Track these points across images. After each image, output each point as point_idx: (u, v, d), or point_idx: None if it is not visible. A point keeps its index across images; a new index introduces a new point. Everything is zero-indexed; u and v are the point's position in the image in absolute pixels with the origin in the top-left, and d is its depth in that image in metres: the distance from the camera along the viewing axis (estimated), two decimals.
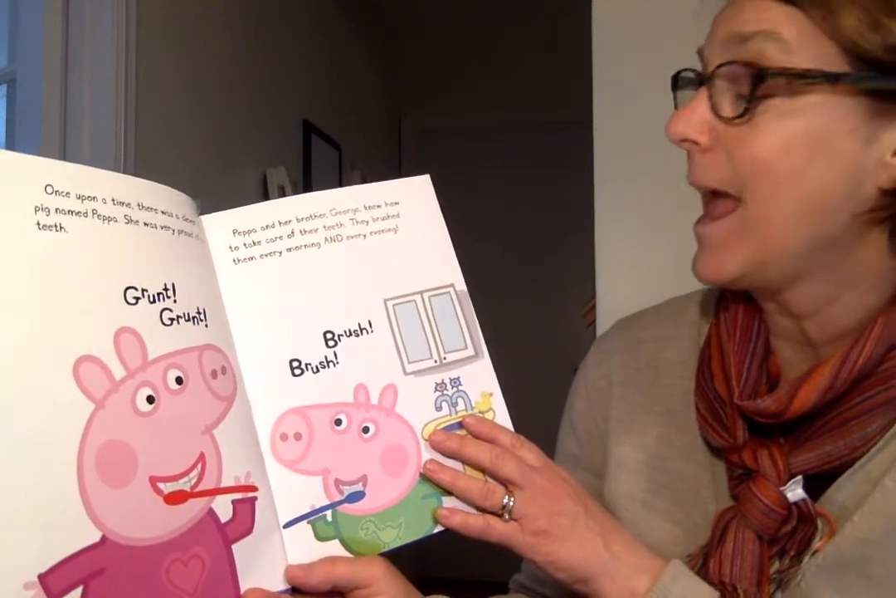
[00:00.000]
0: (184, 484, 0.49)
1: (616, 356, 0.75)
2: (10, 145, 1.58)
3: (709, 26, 0.59)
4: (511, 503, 0.57)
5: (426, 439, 0.60)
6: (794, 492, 0.57)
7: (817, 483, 0.58)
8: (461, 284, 0.63)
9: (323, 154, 2.54)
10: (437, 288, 0.62)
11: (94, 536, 0.44)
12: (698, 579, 0.58)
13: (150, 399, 0.48)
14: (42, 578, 0.41)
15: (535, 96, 3.19)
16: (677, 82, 0.61)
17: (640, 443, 0.70)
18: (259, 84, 2.12)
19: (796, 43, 0.52)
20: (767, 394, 0.59)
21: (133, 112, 1.55)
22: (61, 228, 0.46)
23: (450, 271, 0.63)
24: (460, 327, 0.62)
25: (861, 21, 0.51)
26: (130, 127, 1.54)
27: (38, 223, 0.45)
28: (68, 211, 0.47)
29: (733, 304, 0.65)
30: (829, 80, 0.52)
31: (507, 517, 0.58)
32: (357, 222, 0.61)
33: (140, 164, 1.56)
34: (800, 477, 0.58)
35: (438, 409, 0.61)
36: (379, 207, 0.62)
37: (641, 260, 1.25)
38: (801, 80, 0.52)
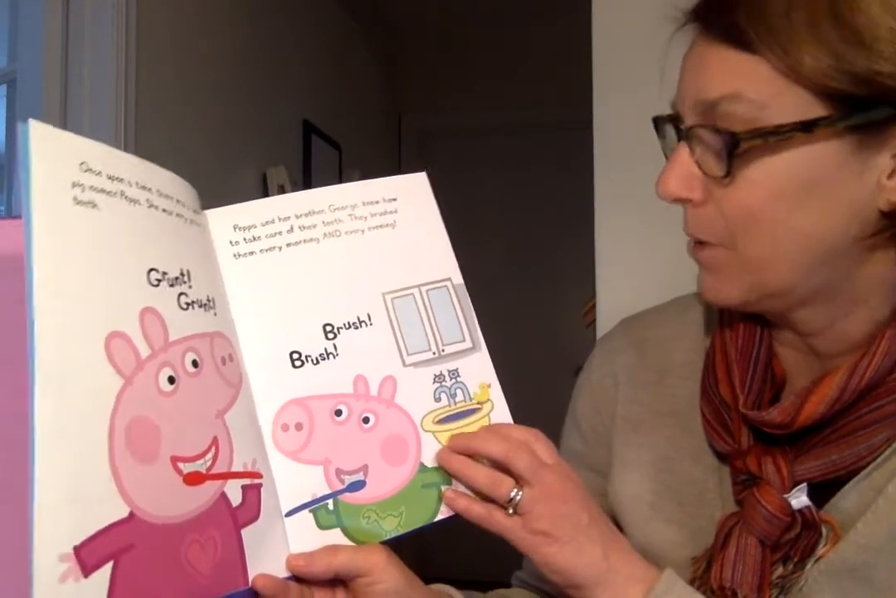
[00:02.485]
0: (200, 466, 0.49)
1: (620, 355, 0.75)
2: (10, 145, 1.58)
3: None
4: (518, 497, 0.57)
5: (426, 431, 0.60)
6: (799, 499, 0.57)
7: (822, 490, 0.58)
8: (458, 278, 0.64)
9: (323, 154, 2.54)
10: (435, 282, 0.63)
11: (123, 511, 0.44)
12: (692, 589, 0.57)
13: (171, 380, 0.49)
14: (77, 550, 0.41)
15: (535, 96, 3.18)
16: (658, 126, 0.61)
17: (646, 443, 0.70)
18: (259, 84, 2.12)
19: (764, 98, 0.51)
20: (773, 404, 0.59)
21: (133, 112, 1.55)
22: (95, 205, 0.47)
23: (447, 266, 0.64)
24: (458, 320, 0.63)
25: (821, 60, 0.49)
26: (130, 127, 1.54)
27: (75, 198, 0.45)
28: (100, 189, 0.47)
29: (737, 312, 0.64)
30: (804, 129, 0.50)
31: (511, 511, 0.57)
32: (355, 218, 0.62)
33: None
34: (804, 485, 0.57)
35: (437, 400, 0.61)
36: (377, 203, 0.63)
37: (641, 260, 1.25)
38: (775, 136, 0.51)
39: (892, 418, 0.55)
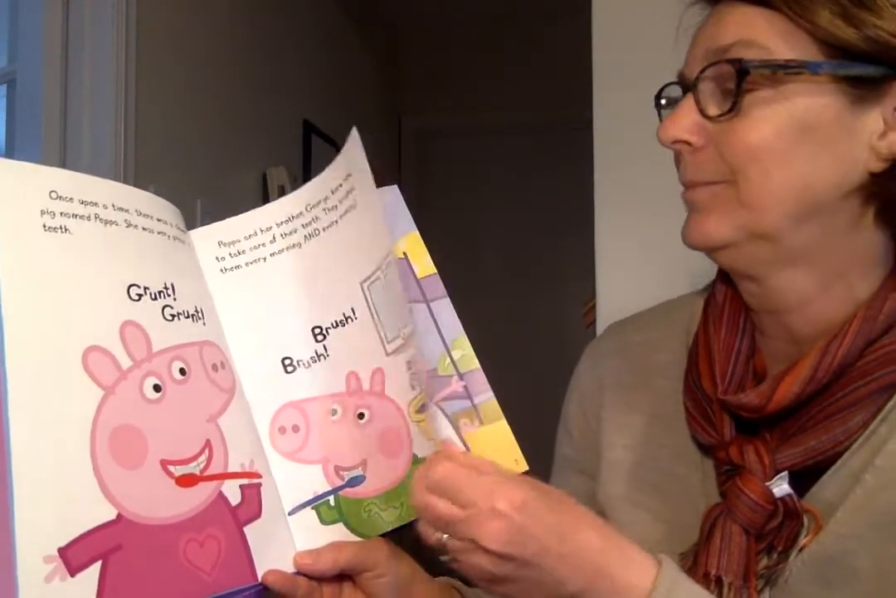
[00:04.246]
0: (193, 468, 0.51)
1: (608, 360, 0.75)
2: (10, 145, 1.58)
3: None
4: (445, 548, 0.51)
5: (412, 421, 0.60)
6: (780, 487, 0.58)
7: (804, 480, 0.59)
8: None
9: (323, 154, 2.54)
10: (387, 255, 0.59)
11: (110, 513, 0.46)
12: (694, 585, 0.53)
13: (157, 388, 0.51)
14: (62, 551, 0.44)
15: (535, 96, 3.18)
16: (660, 101, 0.63)
17: (631, 444, 0.70)
18: (259, 84, 2.12)
19: (774, 45, 0.55)
20: (751, 388, 0.60)
21: (133, 112, 1.55)
22: (66, 230, 0.49)
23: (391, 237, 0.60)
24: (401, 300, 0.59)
25: (835, 13, 0.54)
26: (130, 127, 1.54)
27: (45, 225, 0.48)
28: (72, 214, 0.50)
29: (721, 301, 0.65)
30: (811, 68, 0.54)
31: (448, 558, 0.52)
32: (328, 210, 0.62)
33: (140, 164, 1.56)
34: (785, 473, 0.58)
35: (413, 388, 0.60)
36: (340, 186, 0.62)
37: (641, 260, 1.25)
38: (784, 69, 0.55)
39: (866, 401, 0.56)
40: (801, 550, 0.57)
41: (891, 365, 0.57)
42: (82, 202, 0.50)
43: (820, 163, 0.56)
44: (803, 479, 0.59)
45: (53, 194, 0.49)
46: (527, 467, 0.64)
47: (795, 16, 0.55)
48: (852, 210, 0.57)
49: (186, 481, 0.51)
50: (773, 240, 0.57)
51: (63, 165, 1.50)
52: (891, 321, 0.57)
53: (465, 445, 0.62)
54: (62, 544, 0.44)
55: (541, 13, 2.99)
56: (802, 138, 0.55)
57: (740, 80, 0.55)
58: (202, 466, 0.52)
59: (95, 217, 0.51)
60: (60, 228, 0.49)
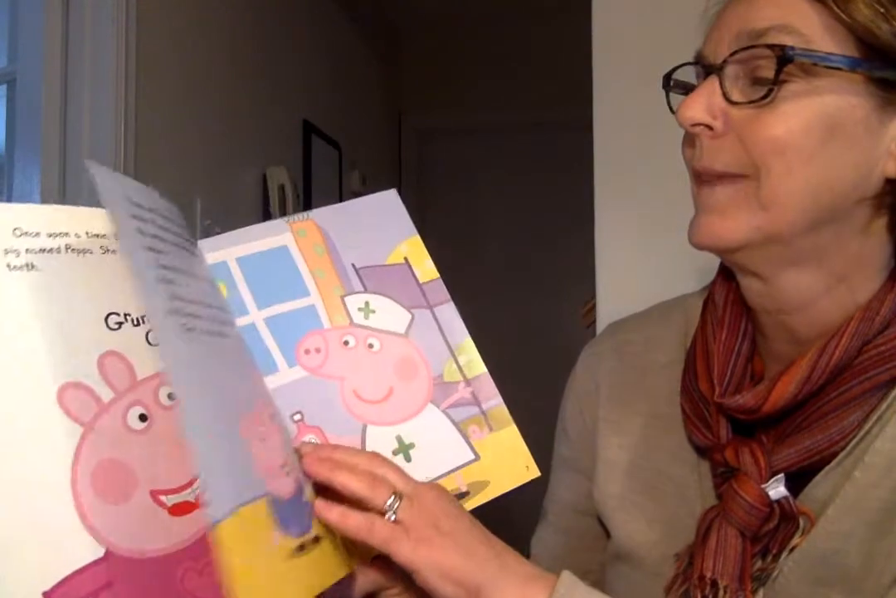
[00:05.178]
0: (188, 495, 0.50)
1: (604, 360, 0.75)
2: (10, 145, 1.58)
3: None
4: (396, 505, 0.53)
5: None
6: (777, 490, 0.58)
7: (800, 481, 0.59)
8: None
9: (323, 154, 2.54)
10: None
11: (97, 551, 0.45)
12: (595, 590, 0.55)
13: (143, 417, 0.49)
14: (47, 595, 0.43)
15: (535, 96, 3.18)
16: (670, 82, 0.62)
17: (627, 444, 0.70)
18: (259, 84, 2.12)
19: (813, 34, 0.54)
20: (748, 390, 0.60)
21: (133, 112, 1.55)
22: (33, 267, 0.47)
23: None
24: None
25: (875, 11, 0.53)
26: (130, 127, 1.54)
27: (9, 265, 0.47)
28: (39, 249, 0.48)
29: (721, 304, 0.65)
30: (849, 65, 0.53)
31: (392, 516, 0.53)
32: None
33: (140, 164, 1.56)
34: (781, 475, 0.58)
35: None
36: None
37: (641, 260, 1.25)
38: (824, 62, 0.53)
39: (860, 399, 0.56)
40: (792, 549, 0.57)
41: (884, 364, 0.56)
42: (50, 235, 0.48)
43: (841, 164, 0.55)
44: (799, 479, 0.59)
45: (17, 231, 0.47)
46: (538, 474, 0.63)
47: (837, 9, 0.53)
48: (863, 216, 0.57)
49: (181, 509, 0.49)
50: (786, 242, 0.56)
51: (63, 165, 1.50)
52: (886, 322, 0.57)
53: (475, 453, 0.61)
54: (47, 588, 0.43)
55: (541, 13, 2.99)
56: (828, 137, 0.54)
57: (780, 67, 0.53)
58: (198, 492, 0.50)
59: (66, 248, 0.49)
60: (27, 265, 0.47)
